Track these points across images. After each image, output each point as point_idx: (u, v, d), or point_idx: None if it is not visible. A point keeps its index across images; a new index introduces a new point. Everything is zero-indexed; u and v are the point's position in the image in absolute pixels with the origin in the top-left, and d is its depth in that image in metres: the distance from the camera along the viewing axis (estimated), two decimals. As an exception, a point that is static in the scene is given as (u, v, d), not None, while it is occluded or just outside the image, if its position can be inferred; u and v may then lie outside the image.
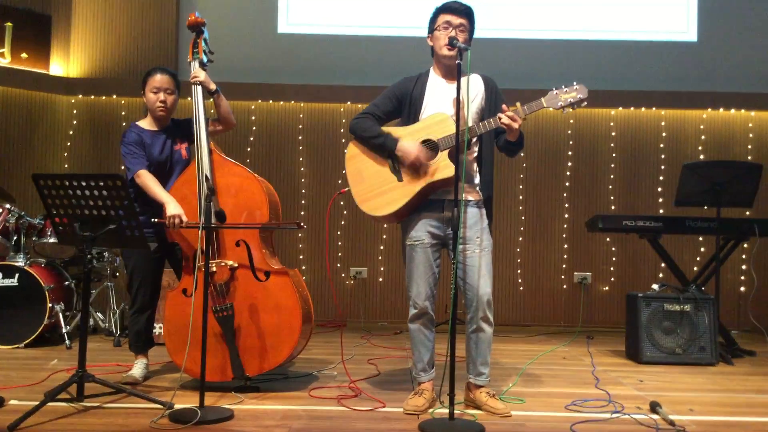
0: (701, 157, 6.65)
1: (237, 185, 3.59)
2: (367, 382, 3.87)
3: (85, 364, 3.14)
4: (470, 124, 3.17)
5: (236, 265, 3.52)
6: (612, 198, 6.72)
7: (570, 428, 2.96)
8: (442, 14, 3.23)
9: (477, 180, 3.31)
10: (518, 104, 3.09)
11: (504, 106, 3.08)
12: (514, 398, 3.50)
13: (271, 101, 6.76)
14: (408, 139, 3.21)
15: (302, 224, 3.52)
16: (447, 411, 2.93)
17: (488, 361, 3.28)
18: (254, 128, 6.76)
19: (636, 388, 3.87)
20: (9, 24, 6.37)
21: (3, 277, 4.82)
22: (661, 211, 6.56)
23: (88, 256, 3.14)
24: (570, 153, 6.75)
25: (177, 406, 3.08)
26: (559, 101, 3.10)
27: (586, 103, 3.12)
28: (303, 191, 6.72)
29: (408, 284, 3.32)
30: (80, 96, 6.76)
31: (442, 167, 3.14)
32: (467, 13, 3.23)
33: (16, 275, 4.83)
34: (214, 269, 3.50)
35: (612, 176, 6.74)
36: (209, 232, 3.24)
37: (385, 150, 3.26)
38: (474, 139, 3.27)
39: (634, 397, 3.60)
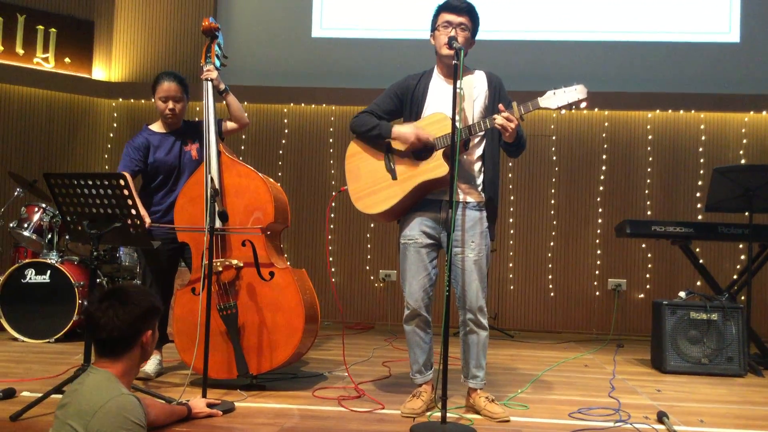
0: (743, 161, 6.42)
1: (244, 186, 3.64)
2: (375, 384, 3.87)
3: (91, 358, 3.21)
4: (473, 123, 3.14)
5: (242, 264, 3.57)
6: (648, 203, 6.54)
7: (566, 436, 2.90)
8: (442, 13, 3.20)
9: (479, 180, 3.25)
10: (515, 104, 3.04)
11: (500, 106, 3.03)
12: (518, 404, 3.44)
13: (303, 104, 6.83)
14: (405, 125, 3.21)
15: (267, 230, 3.59)
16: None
17: (483, 364, 3.22)
18: (286, 131, 6.84)
19: (651, 397, 3.75)
20: (53, 30, 6.63)
21: (36, 274, 5.00)
22: (699, 217, 6.34)
23: (95, 253, 3.22)
24: (604, 156, 6.61)
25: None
26: (556, 101, 3.02)
27: (585, 104, 3.05)
28: (334, 194, 6.75)
29: (402, 284, 3.30)
30: (120, 99, 6.98)
31: (435, 166, 3.11)
32: (468, 11, 3.18)
33: (48, 272, 4.99)
34: (221, 268, 3.55)
35: (648, 181, 6.57)
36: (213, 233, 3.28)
37: (381, 139, 3.25)
38: (477, 139, 3.23)
39: (645, 407, 3.49)
